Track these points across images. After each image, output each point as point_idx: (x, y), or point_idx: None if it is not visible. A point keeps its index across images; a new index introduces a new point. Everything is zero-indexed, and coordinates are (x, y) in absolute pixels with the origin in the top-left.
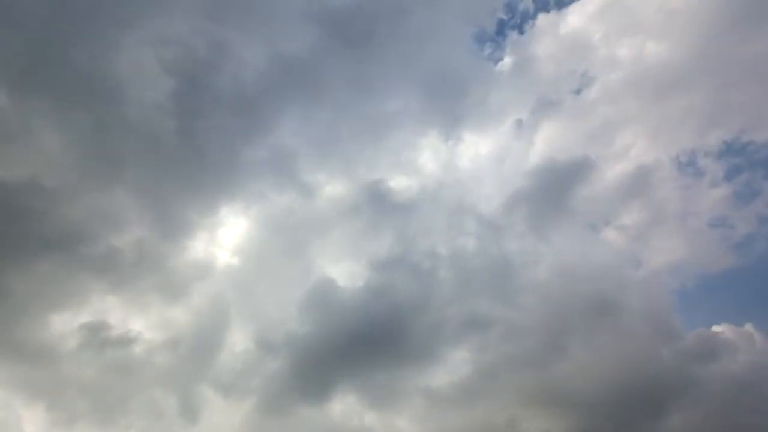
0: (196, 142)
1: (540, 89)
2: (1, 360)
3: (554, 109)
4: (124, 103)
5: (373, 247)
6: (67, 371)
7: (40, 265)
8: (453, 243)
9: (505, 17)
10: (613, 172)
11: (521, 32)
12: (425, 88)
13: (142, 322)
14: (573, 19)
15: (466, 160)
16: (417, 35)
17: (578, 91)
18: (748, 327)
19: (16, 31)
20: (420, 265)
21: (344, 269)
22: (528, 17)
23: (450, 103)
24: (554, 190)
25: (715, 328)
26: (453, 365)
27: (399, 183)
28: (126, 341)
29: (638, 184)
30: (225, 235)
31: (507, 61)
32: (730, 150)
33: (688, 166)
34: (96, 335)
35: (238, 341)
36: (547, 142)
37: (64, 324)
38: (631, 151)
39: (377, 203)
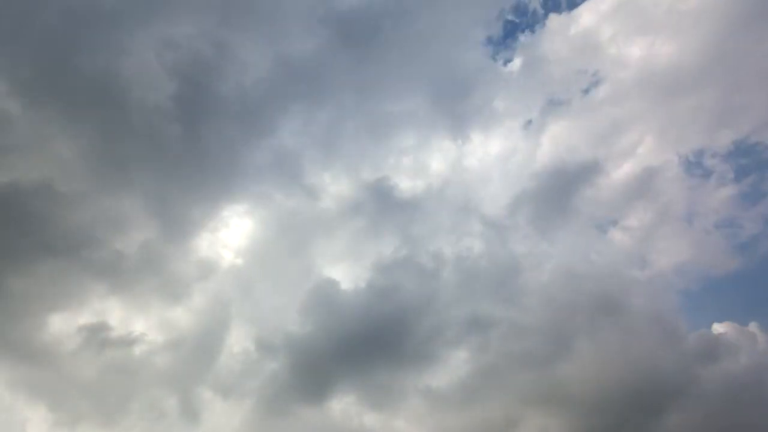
0: (201, 145)
1: (549, 89)
2: (4, 360)
3: (563, 109)
4: (130, 108)
5: (376, 247)
6: (69, 372)
7: (44, 266)
8: (457, 243)
9: (515, 19)
10: (621, 172)
11: (531, 32)
12: (432, 88)
13: (144, 323)
14: (583, 19)
15: (473, 161)
16: (424, 36)
17: (587, 92)
18: (753, 327)
19: (27, 43)
20: (423, 265)
21: (346, 270)
22: (538, 18)
23: (457, 104)
24: (561, 190)
25: (720, 329)
26: (454, 365)
27: (404, 184)
28: (128, 342)
29: (645, 184)
30: (227, 237)
31: (516, 61)
32: (738, 150)
33: (695, 166)
34: (99, 336)
35: (239, 342)
36: (555, 142)
37: (67, 325)
38: (638, 151)
39: (381, 204)
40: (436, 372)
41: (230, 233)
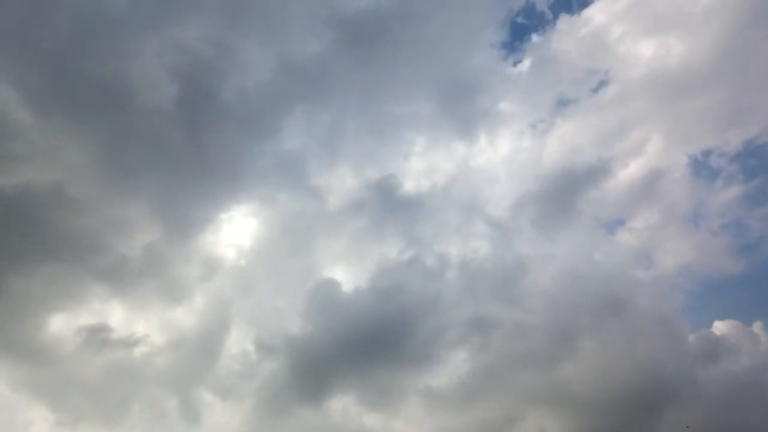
0: (206, 147)
1: (558, 89)
2: (8, 361)
3: (571, 109)
4: (136, 112)
5: (379, 248)
6: (71, 373)
7: (49, 269)
8: (463, 244)
9: (525, 21)
10: (628, 172)
11: (541, 33)
12: (440, 90)
13: (145, 324)
14: (593, 19)
15: (480, 162)
16: (432, 38)
17: (595, 92)
18: (757, 328)
19: (36, 54)
20: (426, 266)
21: (347, 271)
22: (548, 19)
23: (465, 105)
24: (568, 191)
25: (723, 330)
26: (455, 366)
27: (408, 184)
28: (129, 343)
29: (653, 185)
30: (230, 238)
31: (526, 62)
32: (746, 151)
33: (703, 167)
34: (101, 338)
35: (240, 343)
36: (563, 143)
37: (70, 327)
38: (646, 152)
39: (385, 205)
40: (436, 372)
41: (233, 234)
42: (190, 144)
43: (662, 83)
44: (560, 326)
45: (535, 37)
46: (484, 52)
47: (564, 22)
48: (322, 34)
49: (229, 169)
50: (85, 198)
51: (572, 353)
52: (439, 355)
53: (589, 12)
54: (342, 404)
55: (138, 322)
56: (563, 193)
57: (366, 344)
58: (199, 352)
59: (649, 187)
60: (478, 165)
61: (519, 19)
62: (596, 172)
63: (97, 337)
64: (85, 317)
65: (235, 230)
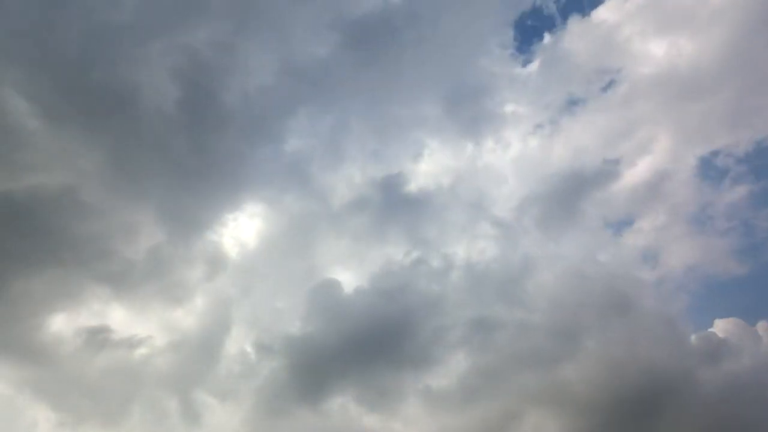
0: (210, 151)
1: (566, 89)
2: (9, 361)
3: (579, 109)
4: (143, 117)
5: (383, 248)
6: (72, 374)
7: (53, 271)
8: (468, 245)
9: (534, 23)
10: (636, 172)
11: (551, 34)
12: (447, 92)
13: (146, 326)
14: (602, 20)
15: (487, 162)
16: (440, 40)
17: (604, 91)
18: (761, 328)
19: (45, 62)
20: (429, 266)
21: (350, 271)
22: (557, 19)
23: (472, 106)
24: (575, 191)
25: (726, 329)
26: (456, 367)
27: (413, 185)
28: (130, 345)
29: (660, 185)
30: (232, 240)
31: (535, 63)
32: (755, 152)
33: (710, 168)
34: (102, 339)
35: (241, 344)
36: (570, 143)
37: (70, 327)
38: (654, 152)
39: (388, 205)
40: (437, 373)
41: (236, 236)
42: (195, 147)
43: (672, 83)
44: (563, 326)
45: (545, 38)
46: (492, 54)
47: (574, 22)
48: (327, 36)
49: (233, 172)
50: (93, 201)
51: (574, 353)
52: (440, 356)
53: (600, 12)
54: (342, 404)
55: (140, 324)
56: (570, 194)
57: (366, 345)
58: (200, 353)
59: (656, 187)
60: (486, 165)
61: (529, 21)
62: (603, 173)
63: (99, 338)
64: (88, 319)
65: (239, 232)
